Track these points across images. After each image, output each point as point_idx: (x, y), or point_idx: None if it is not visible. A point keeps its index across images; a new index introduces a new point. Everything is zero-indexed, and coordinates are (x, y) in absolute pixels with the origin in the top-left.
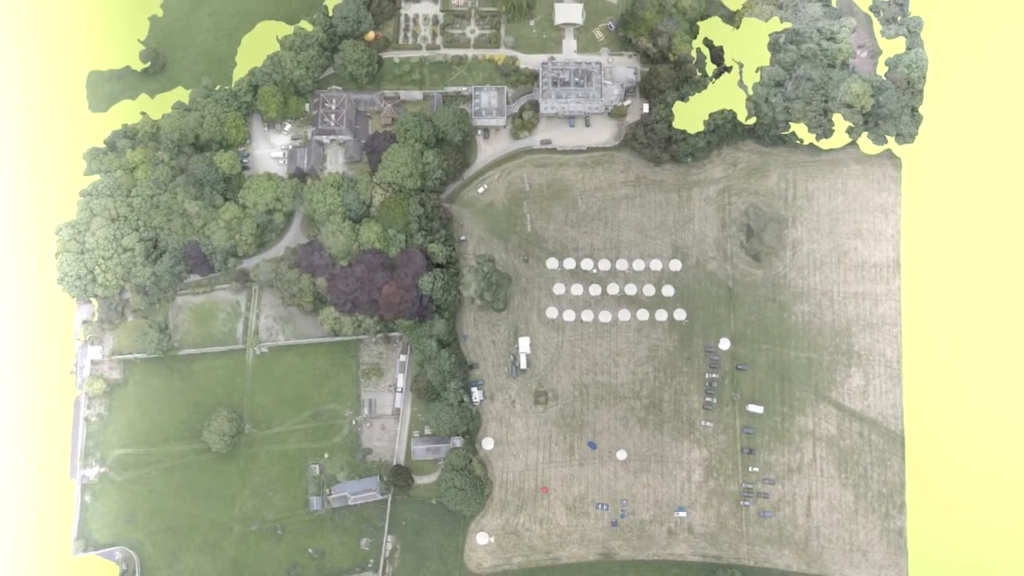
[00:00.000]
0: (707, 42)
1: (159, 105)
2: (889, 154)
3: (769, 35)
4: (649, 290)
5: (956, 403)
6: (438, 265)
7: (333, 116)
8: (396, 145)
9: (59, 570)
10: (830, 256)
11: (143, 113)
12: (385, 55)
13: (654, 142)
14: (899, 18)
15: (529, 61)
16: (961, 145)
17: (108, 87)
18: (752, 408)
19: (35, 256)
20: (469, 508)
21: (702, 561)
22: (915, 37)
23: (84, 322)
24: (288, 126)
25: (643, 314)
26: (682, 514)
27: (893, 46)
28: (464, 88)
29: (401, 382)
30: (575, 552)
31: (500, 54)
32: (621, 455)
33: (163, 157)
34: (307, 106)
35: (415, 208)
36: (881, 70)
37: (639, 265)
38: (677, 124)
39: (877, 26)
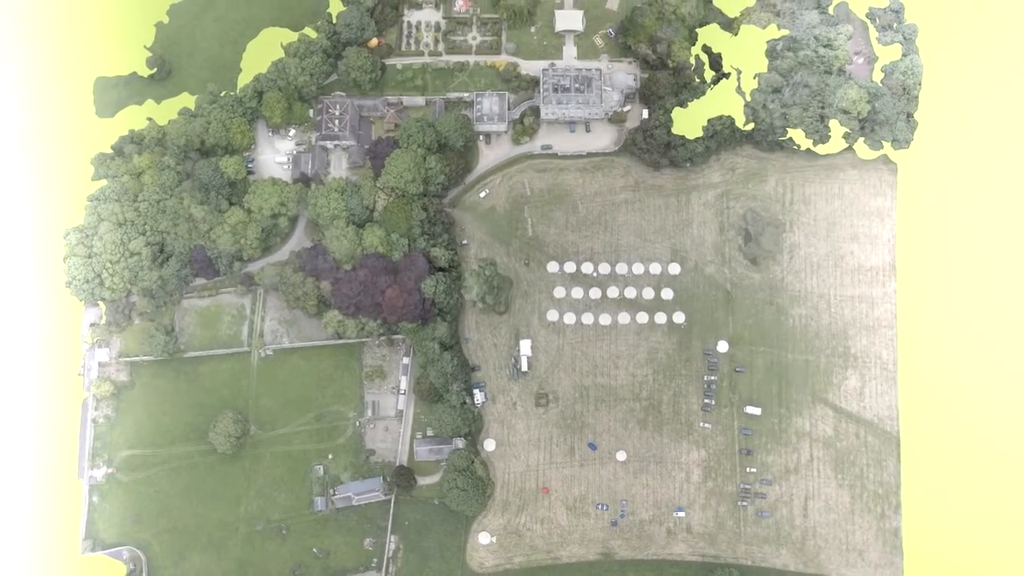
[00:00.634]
0: (706, 49)
1: (165, 111)
2: (885, 159)
3: (767, 42)
4: (648, 293)
5: (951, 405)
6: (440, 269)
7: (337, 122)
8: (399, 150)
9: (68, 569)
10: (827, 260)
11: (149, 119)
12: (388, 61)
13: (653, 147)
14: (895, 25)
15: (530, 67)
16: (955, 150)
17: (115, 93)
18: (750, 410)
19: (44, 260)
20: (471, 508)
21: (700, 560)
22: (910, 44)
23: (92, 325)
24: (292, 132)
25: (642, 317)
26: (681, 514)
27: (889, 53)
28: (466, 94)
29: (404, 384)
30: (575, 552)
31: (501, 60)
32: (621, 456)
33: (169, 162)
34: (311, 112)
35: (418, 212)
36: (877, 76)
37: (639, 269)
38: (676, 130)
39: (873, 33)
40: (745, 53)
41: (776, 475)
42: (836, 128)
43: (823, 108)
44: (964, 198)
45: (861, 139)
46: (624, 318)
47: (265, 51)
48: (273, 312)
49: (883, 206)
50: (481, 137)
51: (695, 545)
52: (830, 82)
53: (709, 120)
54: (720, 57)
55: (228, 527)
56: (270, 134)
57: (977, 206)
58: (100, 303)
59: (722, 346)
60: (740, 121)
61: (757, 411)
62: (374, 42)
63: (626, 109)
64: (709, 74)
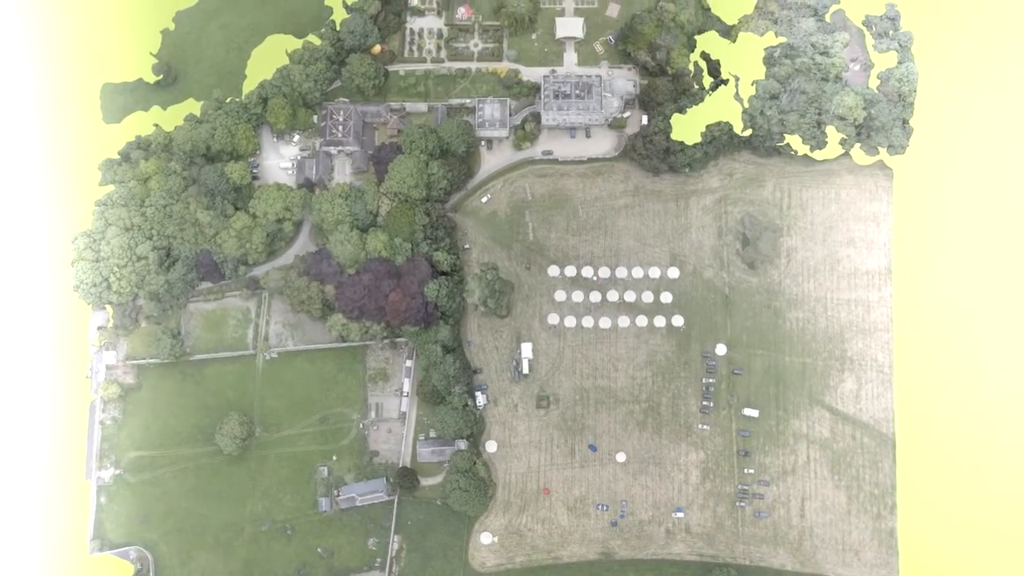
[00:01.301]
0: (704, 56)
1: (171, 116)
2: (881, 165)
3: (764, 49)
4: (648, 297)
5: (946, 407)
6: (443, 273)
7: (340, 128)
8: (402, 156)
9: (76, 568)
10: (823, 264)
11: (156, 125)
12: (391, 68)
13: (653, 153)
14: (891, 33)
15: (531, 74)
16: (950, 156)
17: (121, 99)
18: (748, 412)
19: (52, 264)
20: (473, 509)
21: (699, 560)
22: (906, 51)
23: (99, 328)
24: (297, 137)
25: (642, 320)
26: (680, 515)
27: (885, 60)
28: (468, 100)
29: (407, 386)
30: (576, 551)
31: (503, 67)
32: (620, 457)
33: (175, 168)
34: (315, 118)
35: (421, 217)
36: (873, 83)
37: (638, 273)
38: (675, 135)
39: (870, 40)
40: (743, 60)
41: (773, 476)
42: (833, 134)
43: (820, 114)
44: (959, 203)
45: (857, 145)
46: (624, 321)
47: (270, 58)
48: (278, 315)
49: (879, 211)
50: (483, 143)
51: (694, 545)
52: (827, 89)
53: (708, 126)
54: (718, 64)
55: (234, 527)
56: (275, 140)
57: (972, 211)
58: (107, 307)
59: (720, 349)
60: (738, 127)
61: (755, 413)
62: (377, 49)
63: (626, 115)
64: (708, 81)
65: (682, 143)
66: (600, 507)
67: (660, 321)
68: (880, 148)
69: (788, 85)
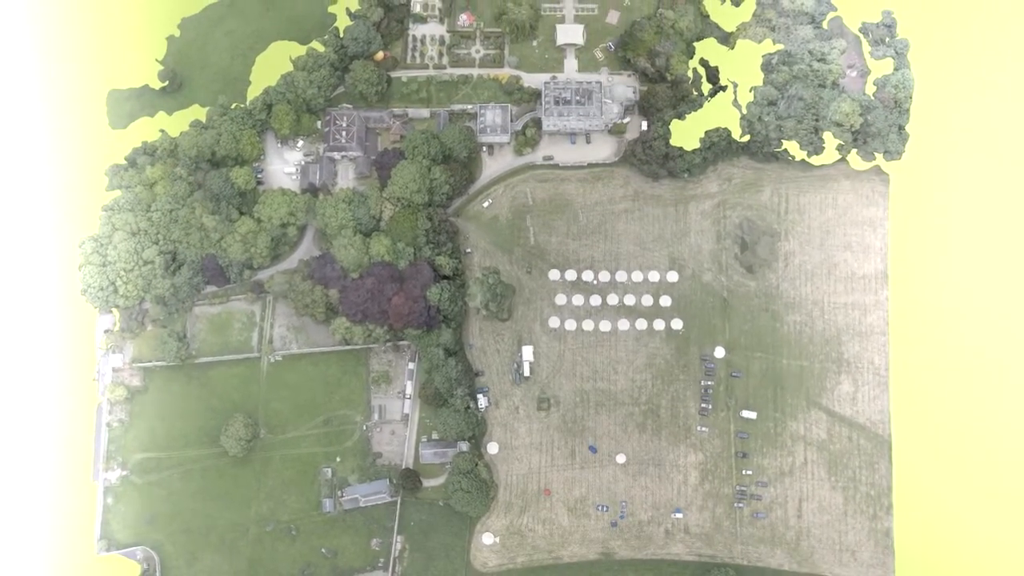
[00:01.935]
0: (703, 62)
1: (176, 122)
2: (877, 170)
3: (762, 56)
4: (647, 300)
5: (941, 409)
6: (445, 277)
7: (344, 133)
8: (404, 161)
9: (83, 569)
10: (821, 268)
11: (162, 131)
12: (394, 74)
13: (652, 158)
14: (887, 40)
15: (532, 80)
16: (945, 162)
17: (128, 105)
18: (746, 414)
19: (59, 268)
20: (475, 509)
21: (698, 560)
22: (902, 58)
23: (106, 331)
24: (301, 143)
25: (641, 324)
26: (679, 515)
27: (881, 67)
28: (469, 106)
29: (409, 389)
30: (576, 551)
31: (504, 73)
32: (620, 459)
33: (181, 173)
34: (319, 124)
35: (423, 222)
36: (870, 89)
37: (638, 276)
38: (674, 141)
39: (866, 47)
40: (741, 67)
41: (771, 477)
42: (830, 140)
43: (817, 121)
44: (954, 208)
45: (854, 151)
46: (623, 325)
47: (274, 64)
48: (282, 319)
49: (875, 215)
50: (484, 148)
51: (692, 545)
52: (824, 95)
53: (706, 132)
54: (717, 71)
55: (239, 528)
56: (279, 145)
57: (967, 216)
58: (114, 310)
59: (719, 352)
60: (736, 133)
61: (753, 415)
62: (380, 55)
63: (625, 121)
64: (706, 87)
65: (681, 149)
66: (600, 508)
67: (659, 324)
68: (877, 154)
69: (786, 91)
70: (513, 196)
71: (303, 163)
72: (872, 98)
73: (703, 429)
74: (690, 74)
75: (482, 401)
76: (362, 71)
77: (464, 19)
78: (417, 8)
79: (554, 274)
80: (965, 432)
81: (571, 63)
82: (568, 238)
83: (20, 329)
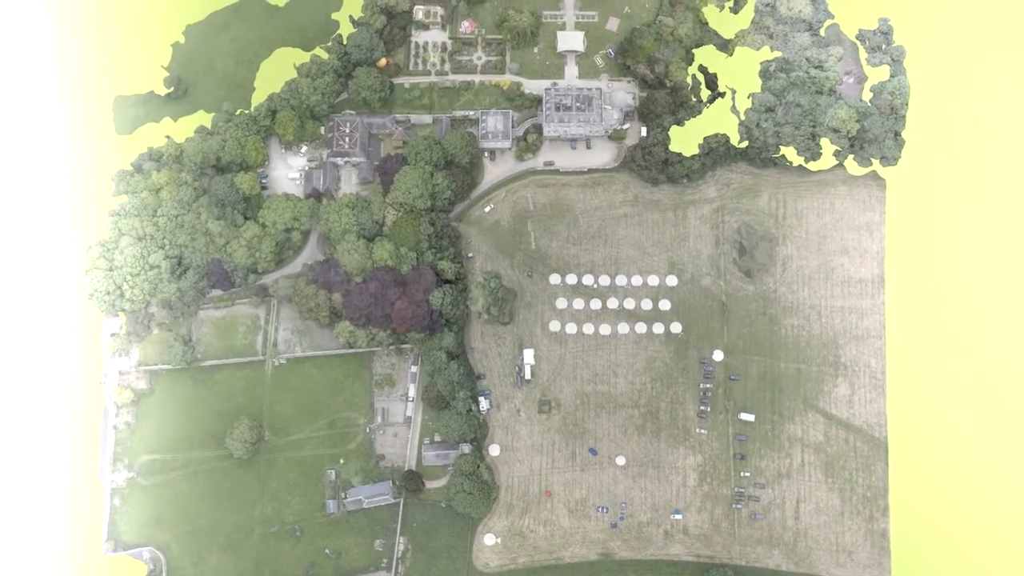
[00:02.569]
0: (702, 69)
1: (182, 128)
2: (874, 175)
3: (760, 63)
4: (647, 304)
5: (937, 412)
6: (447, 281)
7: (347, 139)
8: (407, 167)
9: (91, 569)
10: (818, 272)
11: (168, 137)
12: (396, 81)
13: (652, 164)
14: (883, 47)
15: (533, 86)
16: (942, 167)
17: (134, 111)
18: (744, 416)
19: (67, 273)
20: (477, 511)
21: (696, 561)
22: (898, 65)
23: (112, 335)
24: (304, 149)
25: (641, 327)
26: (678, 516)
27: (878, 73)
28: (471, 112)
29: (412, 392)
30: (577, 552)
31: (505, 80)
32: (620, 461)
33: (187, 179)
34: (322, 129)
35: (425, 227)
36: (867, 96)
37: (637, 281)
38: (673, 147)
39: (863, 54)
40: (740, 73)
41: (769, 479)
42: (827, 146)
43: (814, 127)
44: (950, 213)
45: (851, 156)
46: (623, 328)
47: (278, 71)
48: (286, 322)
49: (872, 220)
50: (486, 154)
51: (691, 546)
52: (821, 102)
53: (705, 138)
54: (716, 77)
55: (244, 529)
56: (283, 151)
57: (963, 220)
58: (121, 314)
59: (717, 355)
60: (735, 139)
61: (751, 417)
62: (383, 62)
63: (625, 127)
64: (705, 94)
65: (680, 154)
66: (600, 509)
67: (659, 328)
68: (873, 159)
69: (783, 98)
70: (514, 201)
71: (307, 169)
72: (869, 104)
73: (702, 431)
74: (689, 81)
75: (484, 404)
76: (365, 78)
77: (466, 26)
78: (419, 15)
79: (555, 278)
80: (960, 434)
81: (572, 70)
82: (569, 243)
83: (28, 333)
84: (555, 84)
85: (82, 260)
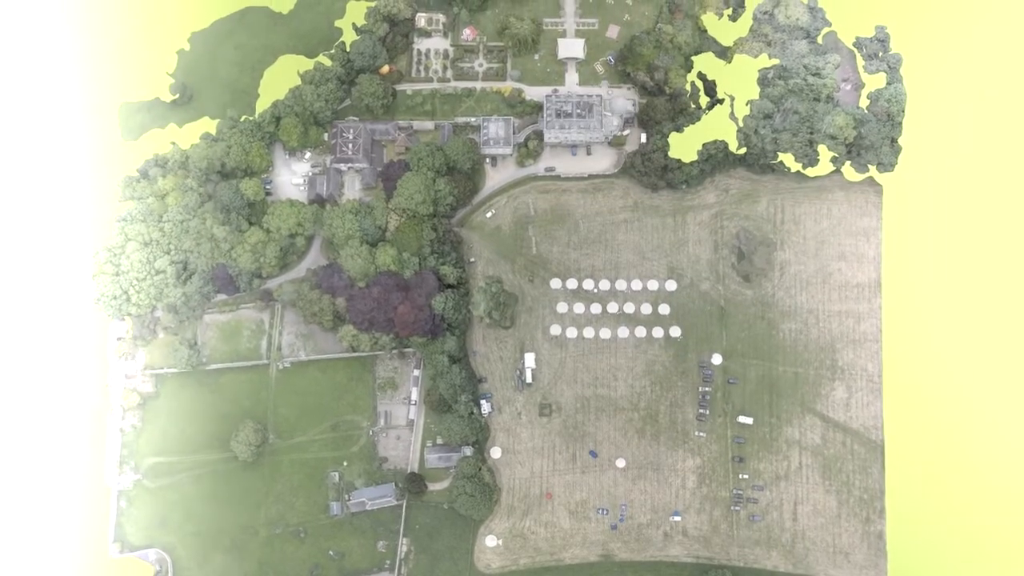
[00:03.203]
0: (701, 76)
1: (187, 134)
2: (871, 181)
3: (759, 70)
4: (646, 309)
5: (933, 415)
6: (449, 286)
7: (350, 145)
8: (410, 173)
9: (99, 570)
10: (815, 277)
11: (173, 143)
12: (399, 88)
13: (651, 170)
14: (880, 54)
15: (534, 93)
16: (937, 173)
17: (139, 117)
18: (742, 419)
19: (74, 277)
20: (479, 513)
21: (695, 562)
22: (895, 73)
23: (118, 339)
24: (308, 155)
25: (641, 331)
26: (677, 518)
27: (875, 81)
28: (473, 119)
29: (415, 395)
30: (577, 553)
31: (507, 86)
32: (620, 463)
33: (192, 184)
34: (326, 136)
35: (428, 232)
36: (864, 103)
37: (637, 285)
38: (673, 153)
39: (860, 61)
40: (738, 81)
41: (767, 481)
42: (824, 152)
43: (812, 134)
44: (946, 218)
45: (848, 163)
46: (623, 332)
47: (282, 78)
48: (290, 327)
49: (869, 226)
50: (487, 160)
51: (690, 547)
52: (818, 109)
53: (704, 144)
54: (714, 84)
55: (249, 530)
56: (287, 157)
57: (958, 225)
58: (127, 318)
59: (716, 359)
60: (733, 145)
61: (749, 420)
62: (386, 69)
63: (625, 133)
64: (704, 100)
65: (679, 160)
66: (600, 511)
67: (658, 332)
68: (870, 166)
69: (781, 105)
70: (515, 207)
71: (311, 175)
72: (866, 111)
73: (701, 434)
74: (688, 88)
75: (485, 407)
76: (368, 84)
77: (467, 33)
78: (422, 23)
79: (555, 283)
80: (956, 437)
81: (572, 77)
82: (569, 248)
83: (35, 337)
84: (556, 91)
85: (89, 265)
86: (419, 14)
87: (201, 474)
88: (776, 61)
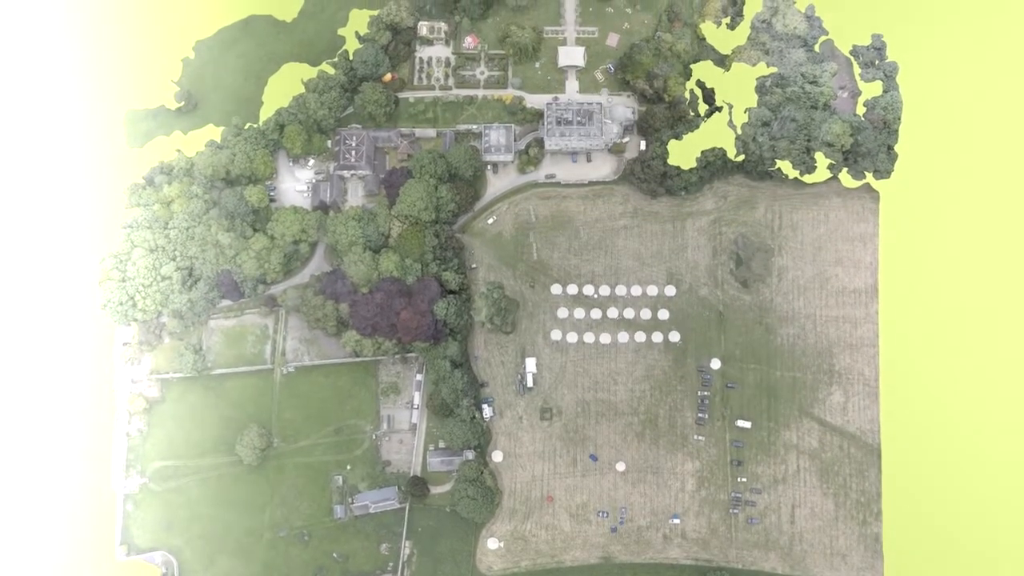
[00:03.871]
0: (699, 84)
1: (192, 141)
2: (868, 188)
3: (756, 78)
4: (646, 314)
5: (929, 419)
6: (451, 292)
7: (353, 152)
8: (412, 180)
9: (106, 573)
10: (813, 282)
11: (178, 150)
12: (401, 95)
13: (651, 177)
14: (877, 62)
15: (535, 101)
16: (933, 179)
17: (144, 125)
18: (741, 423)
19: (81, 284)
20: (480, 516)
21: (694, 564)
22: (891, 81)
23: (124, 344)
24: (312, 162)
25: (640, 336)
26: (676, 521)
27: (871, 88)
28: (474, 126)
29: (417, 399)
30: (578, 556)
31: (508, 94)
32: (620, 467)
33: (197, 191)
34: (329, 143)
35: (430, 239)
36: (860, 111)
37: (636, 291)
38: (672, 160)
39: (857, 69)
40: (736, 89)
41: (765, 484)
42: (821, 159)
43: (809, 141)
44: (942, 224)
45: (845, 169)
46: (623, 337)
47: (286, 86)
48: (294, 332)
49: (866, 232)
50: (489, 167)
51: (689, 550)
52: (816, 116)
53: (702, 151)
54: (713, 92)
55: (254, 533)
56: (291, 164)
57: (954, 231)
58: (133, 324)
59: (715, 363)
60: (731, 152)
61: (747, 425)
62: (388, 77)
63: (625, 140)
64: (703, 108)
65: (678, 167)
66: (601, 514)
67: (658, 337)
68: (867, 172)
69: (779, 113)
70: (516, 213)
71: (314, 182)
72: (862, 119)
73: (700, 438)
74: (687, 95)
75: (487, 411)
76: (371, 92)
77: (469, 42)
78: (424, 31)
79: (556, 288)
80: (952, 441)
81: (572, 84)
82: (570, 253)
83: (42, 342)
84: (556, 98)
85: (96, 271)
86: (421, 23)
87: (206, 478)
88: (774, 69)
